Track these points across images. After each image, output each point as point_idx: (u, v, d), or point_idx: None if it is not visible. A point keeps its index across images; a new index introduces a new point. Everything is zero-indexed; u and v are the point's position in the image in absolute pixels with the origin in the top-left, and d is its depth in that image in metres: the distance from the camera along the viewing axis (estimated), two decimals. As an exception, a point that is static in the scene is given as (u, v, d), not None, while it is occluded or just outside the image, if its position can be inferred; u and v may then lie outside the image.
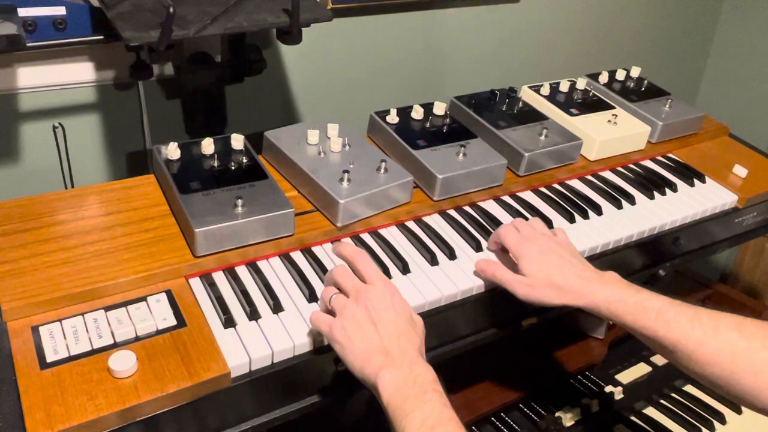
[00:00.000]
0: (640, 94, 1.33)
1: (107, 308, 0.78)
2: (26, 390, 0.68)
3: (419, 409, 0.67)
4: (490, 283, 0.90)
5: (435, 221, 1.02)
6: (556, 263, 0.85)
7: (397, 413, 0.68)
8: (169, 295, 0.81)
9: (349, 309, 0.75)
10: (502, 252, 0.94)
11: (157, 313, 0.78)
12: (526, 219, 1.03)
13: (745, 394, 0.75)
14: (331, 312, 0.78)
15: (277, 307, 0.82)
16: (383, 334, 0.73)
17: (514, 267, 0.89)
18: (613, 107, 1.27)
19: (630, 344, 1.32)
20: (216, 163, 0.96)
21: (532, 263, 0.86)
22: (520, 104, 1.21)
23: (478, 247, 0.96)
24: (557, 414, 1.18)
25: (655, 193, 1.14)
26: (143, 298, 0.80)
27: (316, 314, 0.78)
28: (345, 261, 0.84)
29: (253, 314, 0.81)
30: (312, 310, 0.81)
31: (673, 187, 1.17)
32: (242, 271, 0.88)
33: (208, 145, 0.97)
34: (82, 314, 0.77)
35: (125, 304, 0.79)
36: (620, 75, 1.38)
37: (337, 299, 0.78)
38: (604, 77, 1.36)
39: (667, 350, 0.79)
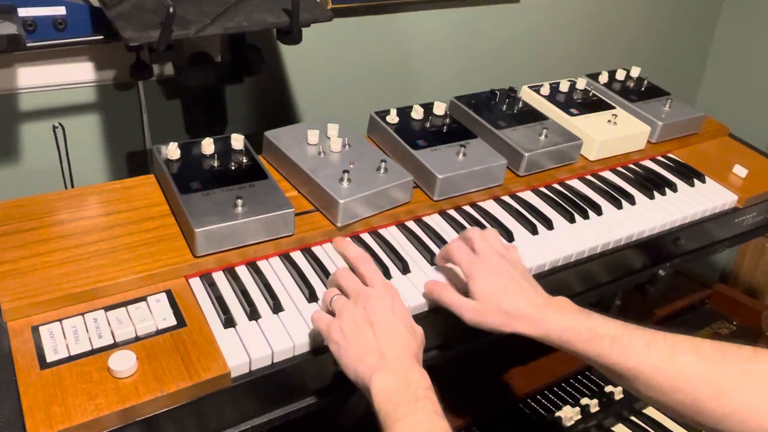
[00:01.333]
0: (640, 94, 1.33)
1: (107, 308, 0.78)
2: (26, 390, 0.68)
3: (410, 417, 0.66)
4: (436, 305, 0.85)
5: (435, 221, 1.02)
6: (509, 287, 0.80)
7: (388, 419, 0.67)
8: (169, 295, 0.81)
9: (348, 310, 0.75)
10: (451, 268, 0.89)
11: (157, 313, 0.78)
12: (525, 219, 1.03)
13: (709, 420, 0.71)
14: (331, 313, 0.78)
15: (277, 307, 0.82)
16: (380, 336, 0.73)
17: (462, 284, 0.84)
18: (613, 107, 1.27)
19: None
20: (216, 163, 0.96)
21: (484, 285, 0.80)
22: (520, 104, 1.21)
23: (478, 247, 0.96)
24: (557, 414, 1.18)
25: (655, 193, 1.14)
26: (143, 298, 0.80)
27: (317, 313, 0.78)
28: (348, 263, 0.84)
29: (253, 314, 0.81)
30: (312, 310, 0.81)
31: (673, 187, 1.17)
32: (242, 271, 0.88)
33: (208, 145, 0.97)
34: (82, 314, 0.77)
35: (125, 304, 0.79)
36: (620, 75, 1.38)
37: (337, 300, 0.77)
38: (604, 77, 1.36)
39: (626, 379, 0.76)
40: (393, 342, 0.73)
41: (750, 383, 0.70)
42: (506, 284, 0.81)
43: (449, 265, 0.89)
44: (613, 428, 1.20)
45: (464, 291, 0.84)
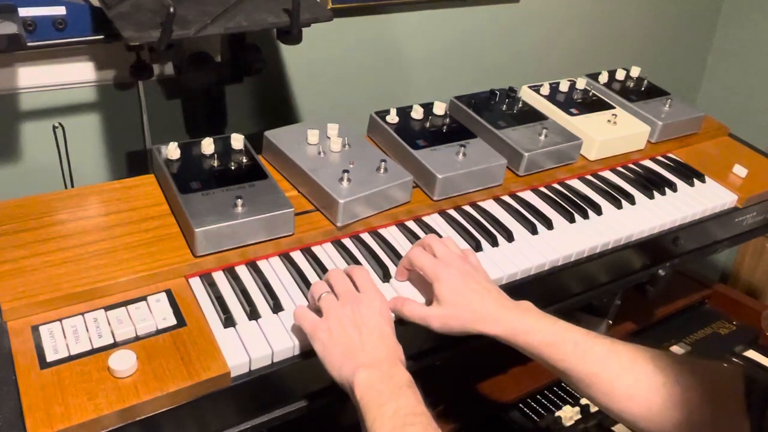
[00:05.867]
0: (640, 94, 1.33)
1: (107, 308, 0.78)
2: (26, 390, 0.68)
3: (393, 402, 0.67)
4: (402, 319, 0.83)
5: (435, 221, 1.02)
6: (475, 288, 0.81)
7: (370, 405, 0.67)
8: (169, 294, 0.81)
9: (336, 311, 0.75)
10: (413, 278, 0.88)
11: (157, 313, 0.78)
12: (525, 219, 1.03)
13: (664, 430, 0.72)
14: (316, 310, 0.78)
15: (277, 307, 0.82)
16: (366, 338, 0.73)
17: (425, 292, 0.84)
18: (613, 107, 1.27)
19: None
20: (216, 163, 0.96)
21: (450, 287, 0.80)
22: (520, 104, 1.21)
23: (477, 247, 0.96)
24: (557, 414, 1.18)
25: (655, 193, 1.14)
26: (143, 298, 0.80)
27: (301, 310, 0.78)
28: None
29: (253, 314, 0.81)
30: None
31: (673, 187, 1.17)
32: (242, 271, 0.88)
33: (208, 145, 0.97)
34: (82, 314, 0.77)
35: (125, 303, 0.79)
36: (620, 75, 1.38)
37: (326, 299, 0.77)
38: (604, 77, 1.36)
39: (584, 384, 0.76)
40: (378, 345, 0.73)
41: (705, 396, 0.70)
42: (472, 285, 0.81)
43: (413, 269, 0.88)
44: (613, 428, 1.20)
45: (427, 300, 0.83)
